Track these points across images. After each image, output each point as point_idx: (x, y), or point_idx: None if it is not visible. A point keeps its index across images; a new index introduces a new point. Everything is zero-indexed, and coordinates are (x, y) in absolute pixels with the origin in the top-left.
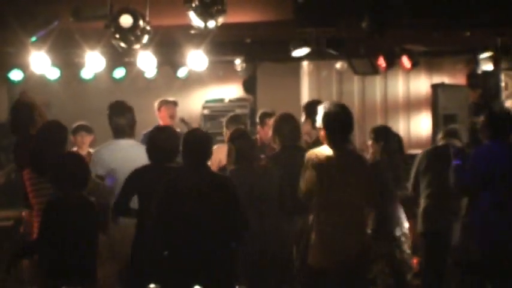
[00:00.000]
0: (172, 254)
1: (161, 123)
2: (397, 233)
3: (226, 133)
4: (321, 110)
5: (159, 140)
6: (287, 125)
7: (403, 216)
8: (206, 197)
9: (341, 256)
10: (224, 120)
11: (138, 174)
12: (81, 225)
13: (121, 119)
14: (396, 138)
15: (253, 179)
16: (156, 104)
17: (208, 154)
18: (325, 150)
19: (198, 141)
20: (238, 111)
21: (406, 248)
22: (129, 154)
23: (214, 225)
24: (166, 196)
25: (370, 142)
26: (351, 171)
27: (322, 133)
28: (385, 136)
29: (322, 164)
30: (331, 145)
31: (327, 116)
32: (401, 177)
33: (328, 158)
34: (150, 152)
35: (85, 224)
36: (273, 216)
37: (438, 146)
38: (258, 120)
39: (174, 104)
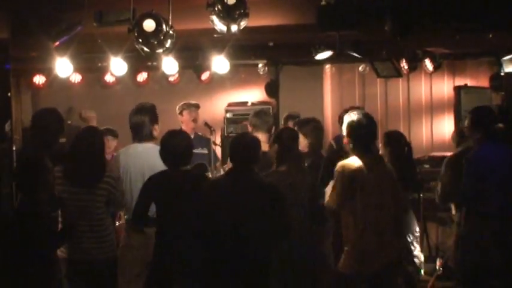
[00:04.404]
0: (209, 260)
1: (183, 127)
2: (409, 238)
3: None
4: (345, 119)
5: (172, 145)
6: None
7: (413, 221)
8: (249, 203)
9: (378, 262)
10: (250, 116)
11: (154, 181)
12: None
13: (136, 118)
14: (406, 145)
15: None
16: (177, 108)
17: (255, 159)
18: (353, 161)
19: (246, 145)
20: None
21: (418, 253)
22: (144, 158)
23: (255, 232)
24: (208, 203)
25: (380, 145)
26: (381, 178)
27: (346, 142)
28: (393, 142)
29: (353, 175)
30: (357, 154)
31: (351, 126)
32: (413, 181)
33: (357, 167)
34: (163, 157)
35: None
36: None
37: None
38: (282, 122)
39: (196, 107)
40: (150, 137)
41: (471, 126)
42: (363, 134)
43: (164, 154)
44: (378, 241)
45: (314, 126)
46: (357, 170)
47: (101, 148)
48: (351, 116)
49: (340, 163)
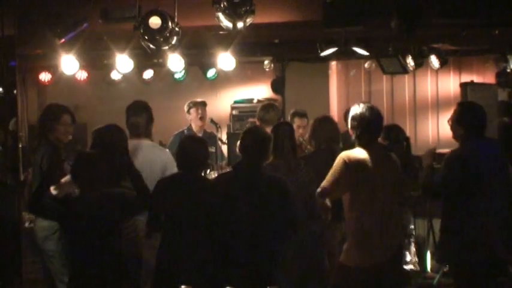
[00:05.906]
0: (217, 254)
1: (192, 124)
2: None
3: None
4: (351, 112)
5: (190, 149)
6: (322, 128)
7: (406, 217)
8: (258, 199)
9: (381, 255)
10: (258, 110)
11: (165, 184)
12: None
13: (134, 118)
14: (404, 139)
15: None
16: (185, 107)
17: (265, 154)
18: (357, 151)
19: (256, 140)
20: None
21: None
22: (145, 155)
23: (262, 227)
24: (220, 200)
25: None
26: (384, 171)
27: (351, 134)
28: (392, 136)
29: (357, 165)
30: (361, 145)
31: (355, 117)
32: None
33: (362, 158)
34: (179, 160)
35: None
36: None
37: None
38: (289, 119)
39: (204, 104)
40: (148, 135)
41: (454, 122)
42: (367, 125)
43: (182, 158)
44: (379, 233)
45: None
46: (362, 161)
47: (124, 146)
48: (356, 109)
49: (345, 152)
